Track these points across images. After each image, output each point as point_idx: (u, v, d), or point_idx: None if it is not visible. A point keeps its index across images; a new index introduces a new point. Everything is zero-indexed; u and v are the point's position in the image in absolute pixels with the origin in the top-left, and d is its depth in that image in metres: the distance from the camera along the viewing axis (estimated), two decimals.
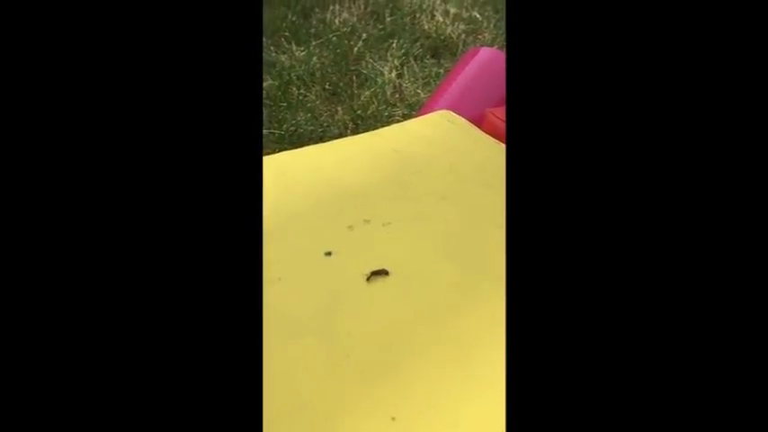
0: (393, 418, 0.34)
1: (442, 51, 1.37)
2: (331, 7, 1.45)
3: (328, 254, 0.46)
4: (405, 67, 1.28)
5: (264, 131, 1.06)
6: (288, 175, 0.54)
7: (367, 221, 0.50)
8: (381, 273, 0.44)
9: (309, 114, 1.11)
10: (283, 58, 1.25)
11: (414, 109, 1.15)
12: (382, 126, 1.09)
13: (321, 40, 1.31)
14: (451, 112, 0.69)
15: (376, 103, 1.15)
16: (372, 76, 1.23)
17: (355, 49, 1.30)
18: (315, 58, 1.25)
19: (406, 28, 1.42)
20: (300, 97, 1.15)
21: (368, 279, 0.43)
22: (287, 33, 1.32)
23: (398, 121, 1.11)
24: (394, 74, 1.24)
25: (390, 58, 1.29)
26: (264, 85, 1.17)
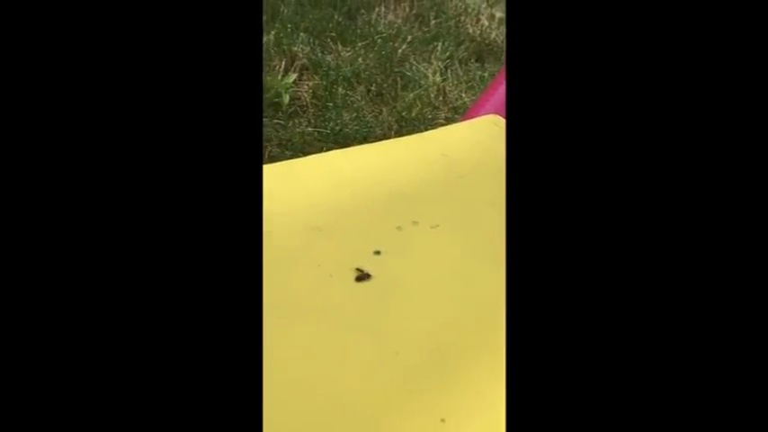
0: (442, 420, 0.34)
1: (487, 55, 1.36)
2: (376, 9, 1.46)
3: (377, 253, 0.46)
4: (449, 71, 1.27)
5: (310, 129, 1.07)
6: (338, 174, 0.55)
7: (415, 223, 0.50)
8: (364, 277, 0.44)
9: (355, 114, 1.12)
10: (329, 58, 1.27)
11: (457, 112, 1.15)
12: (426, 128, 1.09)
13: (366, 42, 1.32)
14: (498, 117, 0.68)
15: (420, 105, 1.15)
16: (416, 78, 1.23)
17: (400, 51, 1.31)
18: (360, 59, 1.26)
19: (451, 31, 1.42)
20: (346, 97, 1.16)
21: (356, 279, 0.43)
22: (333, 34, 1.34)
23: (442, 124, 1.11)
24: (438, 77, 1.24)
25: (434, 61, 1.29)
26: (311, 84, 1.19)
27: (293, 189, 0.52)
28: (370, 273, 0.44)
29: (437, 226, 0.50)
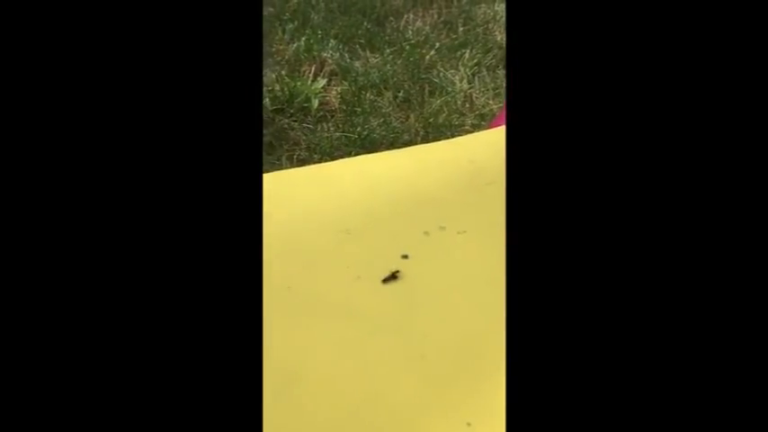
0: (468, 424, 0.34)
1: None
2: (405, 16, 1.47)
3: (405, 257, 0.47)
4: (476, 78, 1.28)
5: (338, 134, 1.09)
6: (367, 178, 0.56)
7: (442, 228, 0.51)
8: (391, 278, 0.44)
9: (382, 120, 1.13)
10: (357, 64, 1.28)
11: (484, 119, 1.15)
12: (452, 134, 1.09)
13: (395, 48, 1.34)
14: None
15: (447, 112, 1.16)
16: (444, 85, 1.24)
17: (427, 57, 1.32)
18: (388, 66, 1.27)
19: (479, 38, 1.42)
20: (373, 103, 1.17)
21: (383, 281, 0.44)
22: (362, 41, 1.35)
23: (468, 130, 1.11)
24: (465, 83, 1.25)
25: (462, 68, 1.29)
26: (339, 89, 1.20)
27: (323, 192, 0.53)
28: (397, 275, 0.44)
29: (464, 232, 0.51)
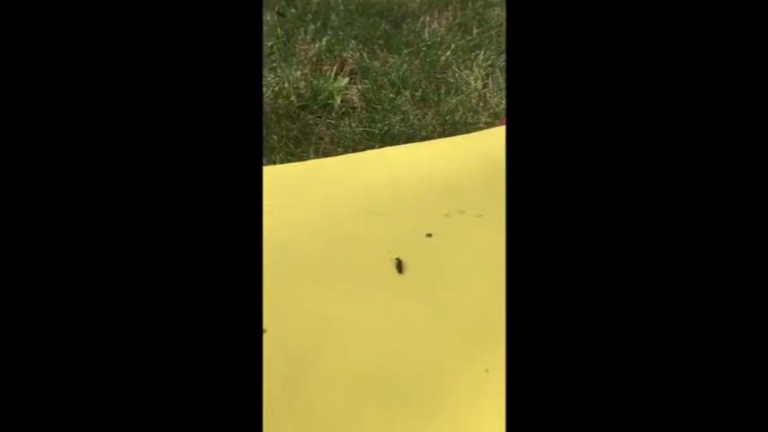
0: (486, 370, 0.40)
1: None
2: (421, 18, 1.53)
3: (429, 235, 0.53)
4: (490, 78, 1.33)
5: (360, 129, 1.15)
6: (393, 167, 0.62)
7: (462, 212, 0.57)
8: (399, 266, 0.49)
9: (401, 117, 1.19)
10: (377, 63, 1.34)
11: (497, 117, 1.21)
12: (467, 131, 1.15)
13: (412, 49, 1.39)
14: None
15: (462, 110, 1.22)
16: (459, 84, 1.30)
17: (443, 58, 1.38)
18: (406, 66, 1.33)
19: (493, 40, 1.47)
20: (393, 101, 1.24)
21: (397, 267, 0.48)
22: (380, 41, 1.41)
23: (482, 128, 1.17)
24: (479, 83, 1.30)
25: (476, 69, 1.35)
26: (360, 87, 1.27)
27: (355, 178, 0.59)
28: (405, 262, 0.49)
29: (481, 215, 0.57)
